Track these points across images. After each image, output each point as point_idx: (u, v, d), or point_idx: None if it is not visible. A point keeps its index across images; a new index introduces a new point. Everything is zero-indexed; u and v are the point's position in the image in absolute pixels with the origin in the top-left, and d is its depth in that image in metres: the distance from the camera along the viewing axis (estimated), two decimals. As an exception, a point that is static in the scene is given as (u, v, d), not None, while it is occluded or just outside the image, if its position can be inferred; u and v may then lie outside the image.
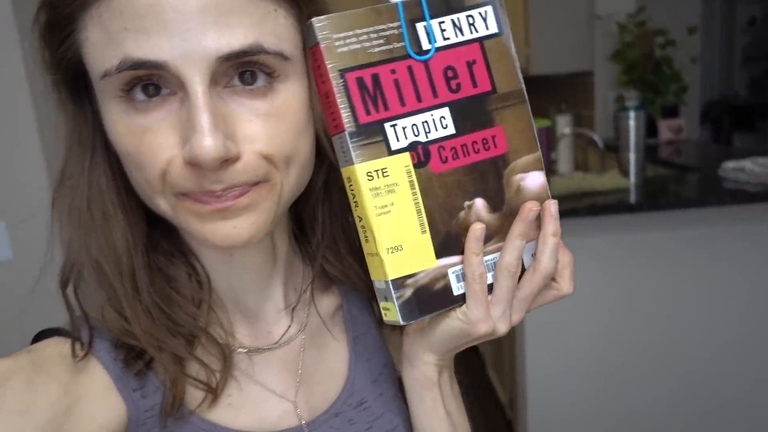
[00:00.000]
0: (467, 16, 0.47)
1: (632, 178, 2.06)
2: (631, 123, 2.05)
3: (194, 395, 0.50)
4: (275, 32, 0.42)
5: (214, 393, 0.50)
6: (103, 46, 0.41)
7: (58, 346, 0.47)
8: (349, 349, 0.60)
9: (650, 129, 2.95)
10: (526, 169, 0.49)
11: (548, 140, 1.86)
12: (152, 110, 0.42)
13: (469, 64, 0.47)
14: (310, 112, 0.46)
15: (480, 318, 0.47)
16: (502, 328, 0.48)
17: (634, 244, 1.93)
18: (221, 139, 0.40)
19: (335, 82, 0.43)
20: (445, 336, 0.50)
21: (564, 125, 2.95)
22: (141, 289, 0.48)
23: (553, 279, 0.51)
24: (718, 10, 5.05)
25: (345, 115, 0.43)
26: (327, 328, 0.60)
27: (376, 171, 0.44)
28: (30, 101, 1.54)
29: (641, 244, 1.94)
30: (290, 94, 0.44)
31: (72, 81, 0.46)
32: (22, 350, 0.47)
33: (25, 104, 1.54)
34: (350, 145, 0.44)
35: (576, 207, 1.84)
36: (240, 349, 0.54)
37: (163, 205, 0.45)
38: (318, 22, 0.42)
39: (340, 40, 0.43)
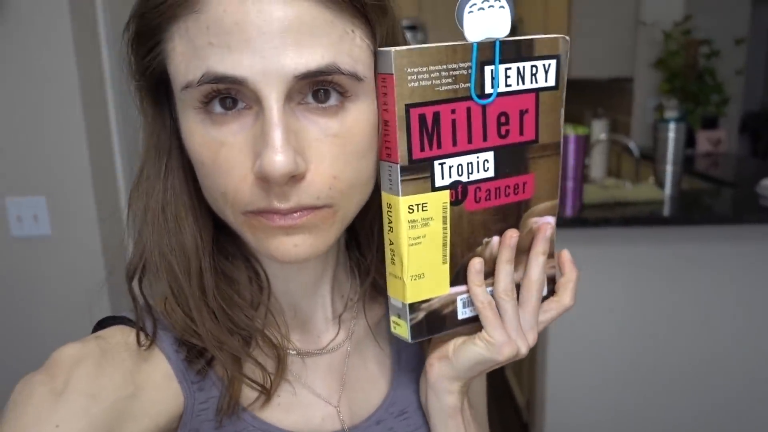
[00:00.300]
0: (532, 66, 0.48)
1: (667, 191, 2.04)
2: (671, 135, 2.02)
3: (248, 393, 0.52)
4: (351, 53, 0.43)
5: (267, 393, 0.52)
6: (188, 58, 0.42)
7: (124, 335, 0.50)
8: (392, 359, 0.62)
9: (688, 140, 2.91)
10: (542, 214, 0.52)
11: (585, 148, 1.84)
12: (228, 123, 0.43)
13: (522, 113, 0.48)
14: (375, 134, 0.46)
15: (503, 341, 0.50)
16: (523, 348, 0.52)
17: (665, 256, 1.92)
18: (292, 155, 0.41)
19: (399, 115, 0.44)
20: (471, 363, 0.52)
21: (599, 131, 2.92)
22: (207, 290, 0.49)
23: (555, 293, 0.56)
24: (766, 21, 4.92)
25: (401, 148, 0.44)
26: (374, 337, 0.61)
27: (417, 205, 0.46)
28: (76, 80, 1.57)
29: (673, 257, 1.92)
30: (360, 115, 0.45)
31: (154, 88, 0.48)
32: (90, 336, 0.50)
33: (71, 83, 1.57)
34: (399, 178, 0.45)
35: (609, 217, 1.83)
36: (291, 352, 0.56)
37: (230, 216, 0.46)
38: (398, 55, 0.43)
39: (413, 74, 0.43)
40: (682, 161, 2.05)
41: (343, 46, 0.42)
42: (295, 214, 0.44)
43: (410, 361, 0.62)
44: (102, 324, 0.52)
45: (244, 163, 0.43)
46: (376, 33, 0.45)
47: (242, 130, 0.43)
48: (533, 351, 2.27)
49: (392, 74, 0.43)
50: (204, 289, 0.49)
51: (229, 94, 0.43)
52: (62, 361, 0.46)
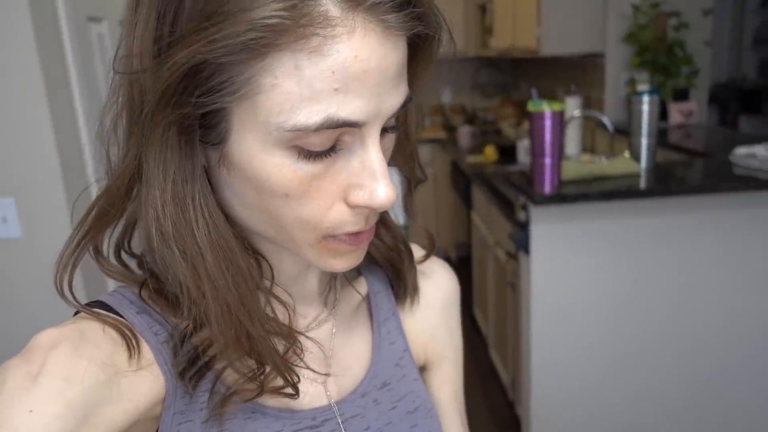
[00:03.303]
0: None
1: (643, 163, 2.05)
2: (645, 108, 2.02)
3: (237, 376, 0.51)
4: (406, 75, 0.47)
5: (296, 390, 0.52)
6: (300, 100, 0.41)
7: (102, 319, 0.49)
8: (373, 334, 0.64)
9: (661, 112, 2.93)
10: None
11: (561, 123, 1.83)
12: (322, 158, 0.44)
13: None
14: None
15: None
16: None
17: (644, 229, 1.93)
18: (393, 186, 0.46)
19: None
20: None
21: (573, 107, 2.92)
22: (253, 313, 0.48)
23: None
24: (731, -8, 4.98)
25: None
26: (356, 312, 0.63)
27: None
28: (40, 76, 1.53)
29: (651, 229, 1.93)
30: (398, 129, 0.50)
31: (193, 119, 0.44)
32: (69, 320, 0.49)
33: (34, 80, 1.52)
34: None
35: (587, 192, 1.83)
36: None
37: (300, 239, 0.48)
38: None
39: None
40: (657, 134, 2.06)
41: (406, 71, 0.47)
42: (363, 237, 0.49)
43: (390, 333, 0.65)
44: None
45: (335, 192, 0.46)
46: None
47: (334, 162, 0.45)
48: (517, 328, 2.28)
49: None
50: (250, 312, 0.48)
51: (330, 146, 0.44)
52: (39, 346, 0.45)
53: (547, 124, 1.81)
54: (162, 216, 0.45)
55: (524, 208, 1.98)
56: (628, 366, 2.06)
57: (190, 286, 0.46)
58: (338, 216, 0.46)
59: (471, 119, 4.89)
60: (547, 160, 1.85)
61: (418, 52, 0.48)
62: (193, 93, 0.41)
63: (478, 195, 3.21)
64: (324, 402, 0.58)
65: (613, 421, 2.11)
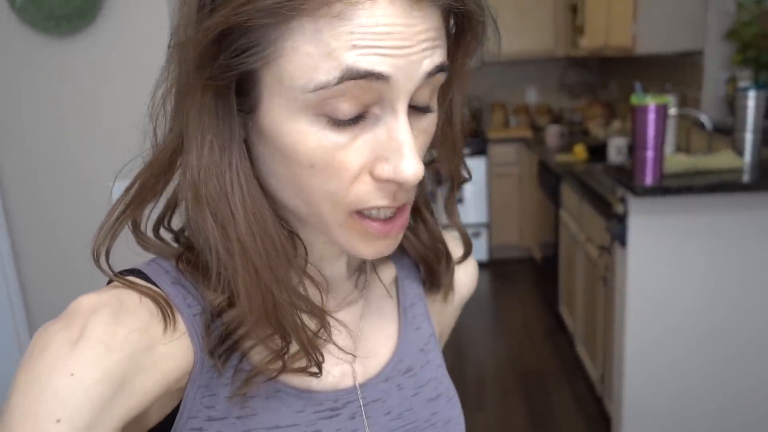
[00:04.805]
0: None
1: (747, 158, 2.03)
2: (750, 103, 2.01)
3: (264, 354, 0.51)
4: (445, 49, 0.47)
5: (320, 369, 0.51)
6: (320, 60, 0.42)
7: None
8: (400, 318, 0.63)
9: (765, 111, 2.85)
10: None
11: (665, 119, 1.85)
12: (349, 127, 0.44)
13: None
14: None
15: None
16: None
17: (747, 224, 1.92)
18: (421, 162, 0.44)
19: None
20: None
21: (669, 106, 2.89)
22: (283, 281, 0.48)
23: None
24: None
25: None
26: (386, 294, 0.63)
27: None
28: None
29: (755, 224, 1.92)
30: (436, 111, 0.49)
31: (228, 83, 0.46)
32: (106, 287, 0.49)
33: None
34: None
35: (690, 184, 1.84)
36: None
37: (330, 213, 0.47)
38: None
39: None
40: (762, 129, 2.04)
41: (445, 45, 0.47)
42: (396, 224, 0.48)
43: (416, 319, 0.64)
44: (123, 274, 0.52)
45: (361, 165, 0.45)
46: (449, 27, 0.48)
47: (362, 132, 0.45)
48: (609, 323, 2.29)
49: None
50: (279, 280, 0.48)
51: (356, 114, 0.44)
52: (79, 311, 0.44)
53: (651, 117, 1.83)
54: (197, 180, 0.46)
55: (623, 200, 2.00)
56: (728, 366, 2.04)
57: (220, 248, 0.46)
58: (363, 188, 0.46)
59: (557, 119, 4.88)
60: (650, 153, 1.87)
61: (464, 30, 0.48)
62: (223, 55, 0.43)
63: (568, 193, 3.22)
64: (349, 383, 0.57)
65: (710, 423, 2.09)
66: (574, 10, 4.26)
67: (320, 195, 0.46)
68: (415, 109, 0.46)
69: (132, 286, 0.48)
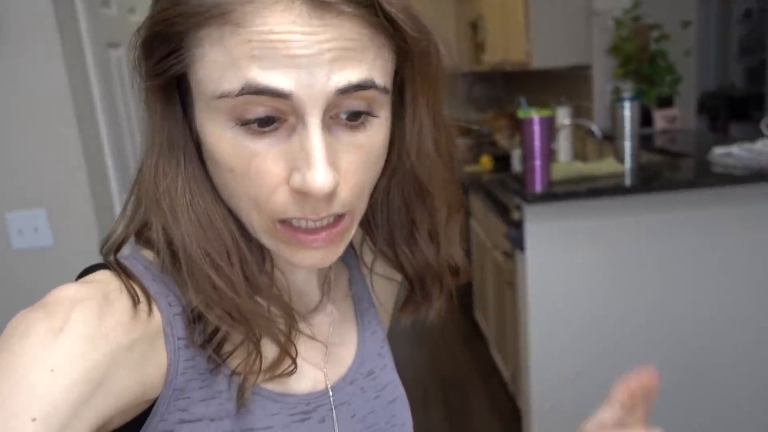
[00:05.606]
0: None
1: (627, 164, 2.20)
2: (626, 113, 2.18)
3: (241, 358, 0.51)
4: (383, 68, 0.45)
5: (294, 364, 0.52)
6: (223, 68, 0.42)
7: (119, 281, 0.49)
8: (357, 323, 0.65)
9: (646, 119, 3.08)
10: None
11: (549, 128, 1.98)
12: (264, 137, 0.44)
13: None
14: (388, 142, 0.50)
15: None
16: None
17: (630, 225, 2.07)
18: (333, 173, 0.43)
19: None
20: None
21: (563, 116, 3.07)
22: (250, 276, 0.50)
23: None
24: (715, 4, 5.16)
25: None
26: (346, 299, 0.65)
27: None
28: (68, 90, 1.66)
29: (637, 225, 2.07)
30: (381, 127, 0.48)
31: (166, 87, 0.48)
32: (86, 278, 0.48)
33: (63, 93, 1.65)
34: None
35: (576, 190, 1.97)
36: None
37: (256, 221, 0.48)
38: None
39: None
40: (638, 136, 2.21)
41: (377, 61, 0.45)
42: (322, 235, 0.47)
43: (371, 323, 0.66)
44: (90, 270, 0.50)
45: (278, 174, 0.45)
46: (401, 47, 0.47)
47: (278, 142, 0.45)
48: (517, 325, 2.41)
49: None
50: (247, 276, 0.50)
51: (268, 115, 0.43)
52: (62, 301, 0.43)
53: (536, 129, 1.96)
54: (150, 180, 0.48)
55: (518, 208, 2.11)
56: (616, 355, 2.18)
57: (180, 250, 0.47)
58: (282, 198, 0.45)
59: (467, 132, 5.05)
60: (537, 162, 1.99)
61: (406, 43, 0.46)
62: (153, 59, 0.46)
63: (476, 202, 3.36)
64: (320, 387, 0.58)
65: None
66: (474, 27, 4.46)
67: (245, 201, 0.47)
68: (348, 121, 0.45)
69: (119, 278, 0.47)
